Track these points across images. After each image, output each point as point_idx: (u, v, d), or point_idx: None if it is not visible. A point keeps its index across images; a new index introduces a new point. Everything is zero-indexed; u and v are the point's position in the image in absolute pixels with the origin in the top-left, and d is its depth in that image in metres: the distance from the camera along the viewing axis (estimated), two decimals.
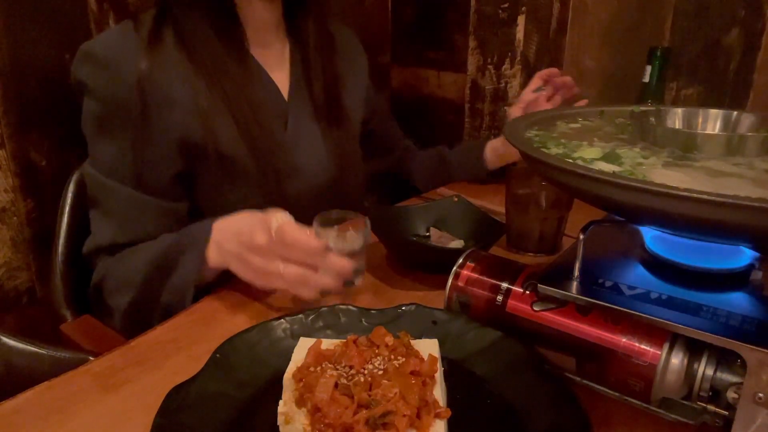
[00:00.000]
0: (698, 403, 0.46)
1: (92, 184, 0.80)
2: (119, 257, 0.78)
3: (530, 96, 1.04)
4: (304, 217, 0.91)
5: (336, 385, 0.44)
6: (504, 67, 1.51)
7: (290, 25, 0.91)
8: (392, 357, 0.47)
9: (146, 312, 0.72)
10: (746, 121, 0.59)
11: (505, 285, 0.56)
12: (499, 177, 1.07)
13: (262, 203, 0.81)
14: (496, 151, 1.11)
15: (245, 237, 0.64)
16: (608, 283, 0.50)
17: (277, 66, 0.89)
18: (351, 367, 0.46)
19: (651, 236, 0.55)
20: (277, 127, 0.86)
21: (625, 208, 0.45)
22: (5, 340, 0.73)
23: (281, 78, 0.89)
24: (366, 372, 0.46)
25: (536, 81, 1.05)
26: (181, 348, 0.60)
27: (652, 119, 0.59)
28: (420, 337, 0.52)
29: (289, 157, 0.86)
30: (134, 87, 0.75)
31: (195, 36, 0.79)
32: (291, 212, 0.89)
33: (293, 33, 0.91)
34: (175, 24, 0.80)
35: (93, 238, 0.80)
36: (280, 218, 0.64)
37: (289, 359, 0.49)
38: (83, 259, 0.82)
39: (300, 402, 0.44)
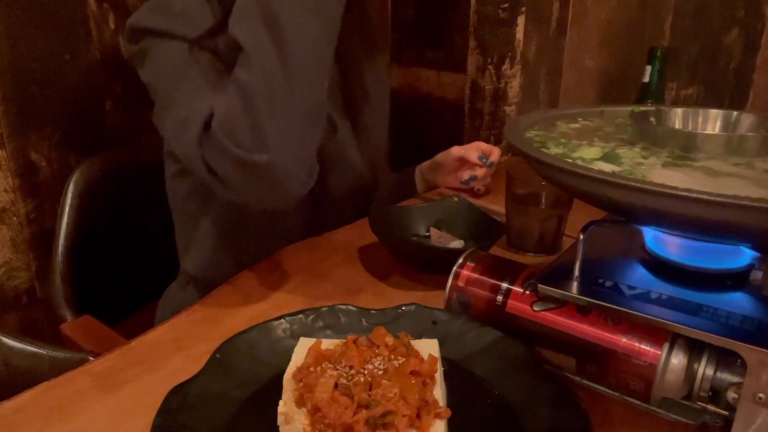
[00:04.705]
0: (698, 403, 0.46)
1: (166, 102, 0.75)
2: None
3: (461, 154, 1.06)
4: (339, 216, 0.93)
5: (336, 385, 0.44)
6: (504, 67, 1.51)
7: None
8: (392, 357, 0.47)
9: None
10: (746, 121, 0.59)
11: (505, 285, 0.56)
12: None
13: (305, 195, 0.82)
14: (422, 173, 1.13)
15: None
16: (608, 283, 0.50)
17: None
18: (351, 367, 0.46)
19: (651, 236, 0.55)
20: None
21: (624, 208, 0.45)
22: (5, 340, 0.73)
23: None
24: (366, 372, 0.45)
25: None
26: (181, 348, 0.60)
27: (652, 119, 0.59)
28: (420, 337, 0.52)
29: (337, 150, 0.89)
30: (205, 33, 0.74)
31: None
32: (330, 205, 0.91)
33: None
34: None
35: (196, 120, 0.69)
36: None
37: (289, 359, 0.49)
38: (193, 150, 0.69)
39: (300, 402, 0.44)
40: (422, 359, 0.47)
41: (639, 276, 0.52)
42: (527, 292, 0.55)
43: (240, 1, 0.67)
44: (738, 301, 0.48)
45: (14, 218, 1.06)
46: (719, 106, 0.61)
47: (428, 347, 0.50)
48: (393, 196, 1.11)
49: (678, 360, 0.46)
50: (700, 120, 0.61)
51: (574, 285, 0.50)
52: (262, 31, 0.65)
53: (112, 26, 1.13)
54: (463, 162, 1.06)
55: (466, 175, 1.06)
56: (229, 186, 0.69)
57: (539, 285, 0.50)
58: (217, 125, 0.67)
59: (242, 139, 0.65)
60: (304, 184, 0.70)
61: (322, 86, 0.69)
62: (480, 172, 1.05)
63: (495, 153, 1.04)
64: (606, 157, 0.51)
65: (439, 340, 0.51)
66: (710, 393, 0.45)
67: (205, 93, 0.72)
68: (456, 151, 1.06)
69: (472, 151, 1.05)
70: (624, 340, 0.48)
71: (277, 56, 0.65)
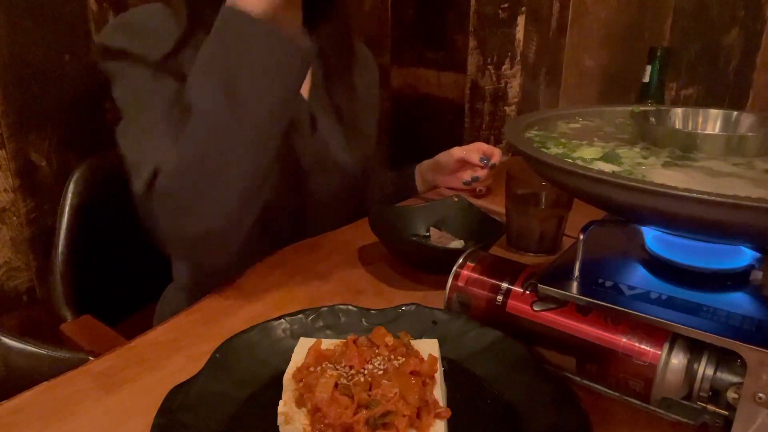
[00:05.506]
0: (698, 403, 0.46)
1: (130, 130, 0.75)
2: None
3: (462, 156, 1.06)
4: (329, 215, 0.93)
5: (336, 385, 0.44)
6: (504, 67, 1.51)
7: (312, 32, 0.92)
8: (392, 357, 0.47)
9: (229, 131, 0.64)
10: (746, 121, 0.59)
11: (505, 285, 0.56)
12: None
13: (289, 196, 0.82)
14: (422, 173, 1.13)
15: None
16: (608, 283, 0.50)
17: None
18: (351, 367, 0.46)
19: (651, 236, 0.55)
20: (302, 125, 0.87)
21: (624, 208, 0.45)
22: (5, 340, 0.72)
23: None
24: (366, 372, 0.46)
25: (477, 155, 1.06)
26: (181, 348, 0.60)
27: (652, 119, 0.59)
28: (420, 337, 0.52)
29: (318, 150, 0.88)
30: (170, 54, 0.74)
31: None
32: (317, 208, 0.91)
33: (315, 39, 0.92)
34: (207, 31, 0.79)
35: (147, 166, 0.70)
36: None
37: (289, 359, 0.49)
38: (141, 200, 0.71)
39: (300, 402, 0.44)
40: (422, 359, 0.47)
41: (639, 276, 0.52)
42: (527, 292, 0.55)
43: (202, 60, 0.66)
44: (738, 301, 0.48)
45: (14, 218, 1.06)
46: (719, 106, 0.61)
47: (428, 347, 0.50)
48: (393, 195, 1.11)
49: (678, 360, 0.46)
50: (700, 120, 0.61)
51: (574, 285, 0.50)
52: (219, 97, 0.64)
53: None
54: (464, 163, 1.06)
55: (467, 175, 1.06)
56: (165, 242, 0.70)
57: (539, 285, 0.50)
58: (160, 185, 0.67)
59: (179, 205, 0.66)
60: (233, 252, 0.70)
61: (271, 156, 0.69)
62: (481, 173, 1.06)
63: (496, 155, 1.04)
64: (606, 157, 0.51)
65: (439, 340, 0.51)
66: (710, 393, 0.45)
67: (160, 133, 0.71)
68: (457, 152, 1.06)
69: (474, 152, 1.05)
70: (624, 340, 0.48)
71: (230, 126, 0.64)
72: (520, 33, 1.46)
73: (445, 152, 1.08)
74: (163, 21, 0.77)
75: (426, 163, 1.13)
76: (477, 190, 1.09)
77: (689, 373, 0.46)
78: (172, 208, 0.67)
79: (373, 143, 1.03)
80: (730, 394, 0.44)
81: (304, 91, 0.89)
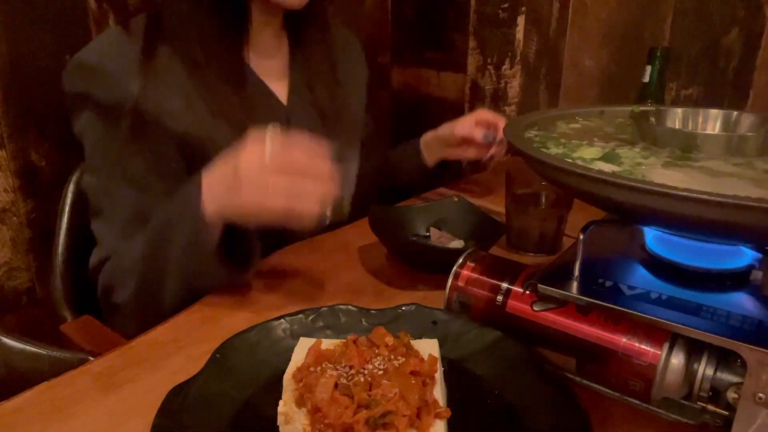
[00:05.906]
0: (698, 403, 0.46)
1: (95, 192, 0.79)
2: (121, 252, 0.77)
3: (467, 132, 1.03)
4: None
5: (336, 385, 0.44)
6: (504, 67, 1.51)
7: (292, 35, 0.91)
8: (392, 357, 0.47)
9: (154, 294, 0.70)
10: (746, 121, 0.59)
11: (505, 285, 0.56)
12: (440, 176, 1.11)
13: None
14: (428, 146, 1.10)
15: (234, 163, 0.63)
16: (608, 283, 0.50)
17: (276, 75, 0.89)
18: (351, 367, 0.46)
19: (651, 236, 0.55)
20: None
21: (624, 208, 0.45)
22: (5, 340, 0.73)
23: (280, 87, 0.89)
24: (366, 372, 0.46)
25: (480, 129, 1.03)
26: (181, 348, 0.60)
27: (652, 119, 0.59)
28: (420, 337, 0.52)
29: None
30: (132, 96, 0.74)
31: (192, 50, 0.78)
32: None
33: (295, 42, 0.92)
34: (171, 39, 0.78)
35: (99, 249, 0.79)
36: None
37: (289, 359, 0.49)
38: (89, 274, 0.80)
39: (300, 402, 0.44)
40: (422, 359, 0.47)
41: (639, 276, 0.52)
42: (527, 292, 0.55)
43: (158, 212, 0.72)
44: (738, 301, 0.48)
45: (14, 218, 1.06)
46: (719, 106, 0.61)
47: (428, 347, 0.50)
48: (403, 174, 1.11)
49: (678, 360, 0.46)
50: (700, 120, 0.61)
51: (574, 285, 0.50)
52: (150, 252, 0.70)
53: (112, 26, 1.13)
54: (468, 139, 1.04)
55: (471, 152, 1.04)
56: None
57: (539, 285, 0.50)
58: (101, 276, 0.77)
59: (113, 302, 0.76)
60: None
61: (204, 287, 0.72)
62: (492, 150, 1.03)
63: (501, 127, 1.01)
64: (606, 157, 0.51)
65: (439, 340, 0.51)
66: (710, 393, 0.45)
67: (122, 219, 0.77)
68: (459, 130, 1.02)
69: (477, 130, 1.01)
70: (624, 340, 0.48)
71: (158, 277, 0.69)
72: (520, 33, 1.46)
73: (448, 126, 1.04)
74: (120, 55, 0.76)
75: (430, 136, 1.09)
76: (486, 159, 1.06)
77: (689, 373, 0.46)
78: (107, 300, 0.77)
79: (359, 133, 1.01)
80: (730, 394, 0.44)
81: (282, 96, 0.89)
